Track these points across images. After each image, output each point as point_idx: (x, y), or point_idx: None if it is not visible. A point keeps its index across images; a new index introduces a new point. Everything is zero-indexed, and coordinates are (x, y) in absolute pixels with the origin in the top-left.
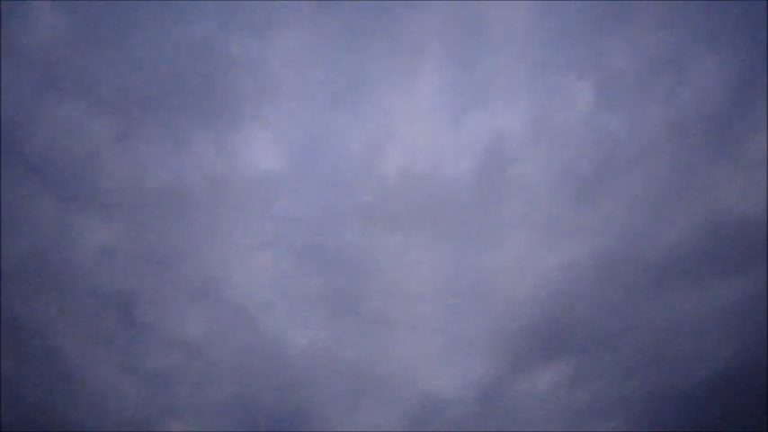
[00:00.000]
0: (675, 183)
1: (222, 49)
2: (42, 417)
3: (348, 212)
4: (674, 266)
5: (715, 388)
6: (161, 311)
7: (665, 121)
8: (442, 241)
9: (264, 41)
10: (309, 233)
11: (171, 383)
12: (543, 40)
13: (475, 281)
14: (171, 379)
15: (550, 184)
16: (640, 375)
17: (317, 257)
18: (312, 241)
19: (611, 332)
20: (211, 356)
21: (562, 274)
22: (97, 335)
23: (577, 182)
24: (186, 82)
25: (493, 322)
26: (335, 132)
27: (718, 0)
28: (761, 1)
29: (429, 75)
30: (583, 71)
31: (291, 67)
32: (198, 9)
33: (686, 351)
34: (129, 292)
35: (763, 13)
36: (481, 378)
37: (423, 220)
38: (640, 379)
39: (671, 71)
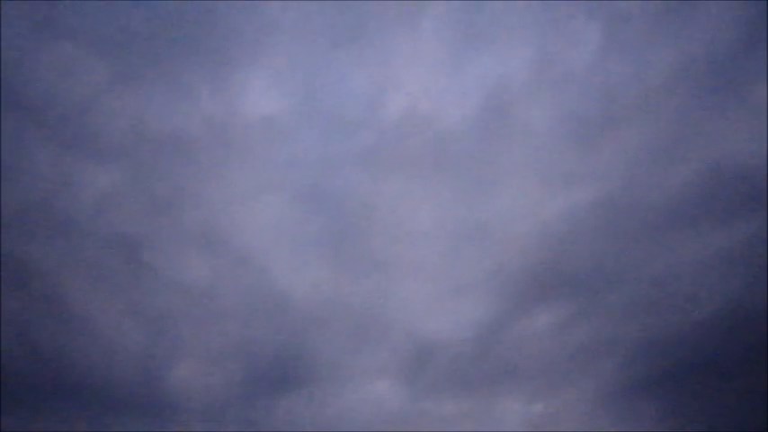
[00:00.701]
0: (679, 129)
1: None
2: (48, 358)
3: (349, 156)
4: (675, 212)
5: (711, 330)
6: (164, 255)
7: (672, 66)
8: (443, 185)
9: None
10: (311, 177)
11: (175, 326)
12: None
13: (475, 224)
14: (175, 321)
15: (554, 128)
16: (638, 317)
17: (318, 201)
18: (313, 185)
19: (610, 275)
20: (215, 299)
21: (563, 219)
22: (101, 278)
23: (581, 127)
24: (185, 23)
25: (492, 265)
26: (336, 75)
27: None
28: None
29: (432, 16)
30: (590, 12)
31: (291, 6)
32: None
33: (683, 294)
34: (132, 236)
35: None
36: (480, 319)
37: (424, 164)
38: (638, 321)
39: (680, 14)
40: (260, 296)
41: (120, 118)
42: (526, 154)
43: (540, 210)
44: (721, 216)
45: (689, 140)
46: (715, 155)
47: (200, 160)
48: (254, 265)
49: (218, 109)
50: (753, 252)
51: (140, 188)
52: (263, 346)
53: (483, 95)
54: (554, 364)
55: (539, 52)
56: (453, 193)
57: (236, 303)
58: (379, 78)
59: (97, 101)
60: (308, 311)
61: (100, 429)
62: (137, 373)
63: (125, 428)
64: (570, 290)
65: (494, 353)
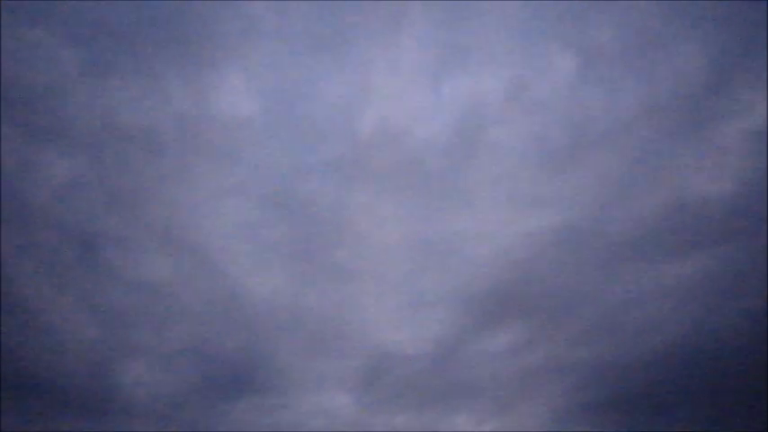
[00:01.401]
0: (644, 162)
1: None
2: None
3: (320, 164)
4: (635, 242)
5: (663, 358)
6: (124, 251)
7: (642, 100)
8: (411, 200)
9: None
10: (279, 182)
11: (130, 325)
12: (531, 7)
13: (441, 241)
14: (130, 320)
15: (523, 153)
16: (593, 343)
17: (285, 206)
18: (281, 190)
19: (569, 300)
20: (173, 300)
21: (526, 242)
22: (57, 271)
23: (550, 153)
24: (162, 17)
25: (455, 283)
26: (314, 81)
27: None
28: None
29: (412, 30)
30: (567, 43)
31: (273, 8)
32: None
33: (637, 323)
34: (92, 230)
35: (743, 1)
36: (439, 336)
37: (394, 178)
38: (592, 346)
39: (652, 51)
40: (219, 299)
41: (88, 109)
42: (495, 175)
43: (505, 231)
44: (678, 249)
45: (653, 174)
46: (676, 190)
47: (168, 157)
48: (216, 268)
49: (191, 107)
50: (706, 285)
51: (104, 181)
52: (220, 350)
53: (457, 114)
54: (508, 384)
55: (514, 77)
56: (421, 209)
57: (194, 305)
58: (355, 88)
59: (66, 90)
60: (268, 317)
61: (47, 429)
62: (88, 371)
63: (73, 428)
64: (529, 312)
65: (450, 370)
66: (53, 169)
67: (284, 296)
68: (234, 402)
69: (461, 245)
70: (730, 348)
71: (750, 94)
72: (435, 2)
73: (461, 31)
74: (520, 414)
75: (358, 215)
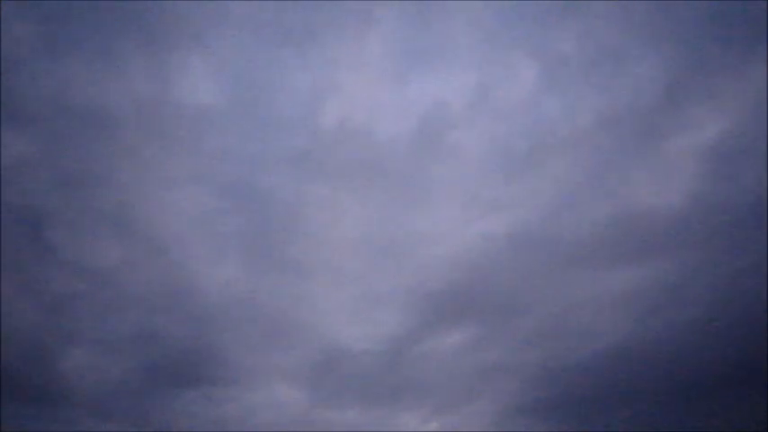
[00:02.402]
0: (599, 171)
1: None
2: None
3: (281, 156)
4: (585, 249)
5: (606, 361)
6: (70, 234)
7: (599, 111)
8: (370, 197)
9: None
10: (238, 172)
11: (73, 310)
12: (497, 14)
13: (397, 239)
14: (74, 305)
15: (483, 156)
16: (541, 344)
17: (242, 198)
18: (240, 181)
19: (519, 302)
20: (120, 286)
21: (481, 243)
22: (0, 252)
23: (509, 158)
24: None
25: (409, 280)
26: (279, 73)
27: (664, 1)
28: (704, 5)
29: (380, 29)
30: (530, 51)
31: None
32: None
33: (584, 326)
34: (38, 211)
35: (704, 19)
36: (391, 332)
37: (354, 174)
38: (540, 347)
39: (611, 64)
40: (169, 288)
41: (40, 86)
42: (454, 177)
43: (461, 233)
44: (625, 257)
45: (606, 183)
46: (626, 200)
47: (123, 140)
48: (168, 256)
49: (151, 90)
50: (649, 293)
51: (54, 161)
52: (166, 340)
53: (420, 115)
54: (457, 383)
55: (478, 81)
56: (380, 207)
57: (142, 292)
58: (320, 83)
59: (17, 65)
60: (220, 309)
61: None
62: (28, 357)
63: (13, 414)
64: (481, 313)
65: (401, 367)
66: (1, 147)
67: (238, 288)
68: (181, 393)
69: (418, 244)
70: (669, 353)
71: (701, 111)
72: (404, 3)
73: (428, 32)
74: (466, 413)
75: (316, 210)
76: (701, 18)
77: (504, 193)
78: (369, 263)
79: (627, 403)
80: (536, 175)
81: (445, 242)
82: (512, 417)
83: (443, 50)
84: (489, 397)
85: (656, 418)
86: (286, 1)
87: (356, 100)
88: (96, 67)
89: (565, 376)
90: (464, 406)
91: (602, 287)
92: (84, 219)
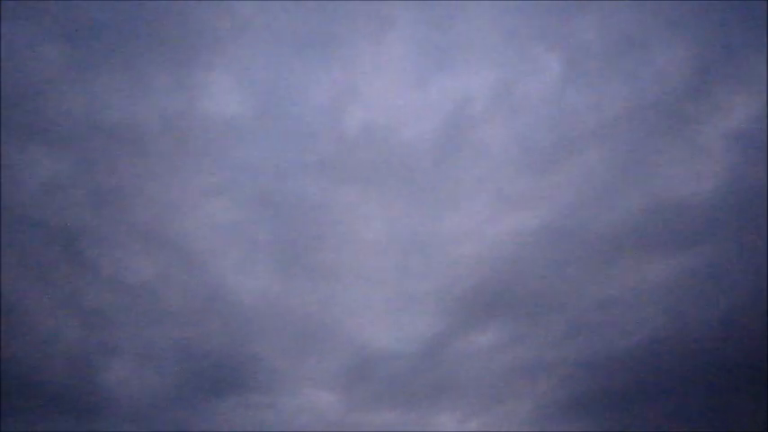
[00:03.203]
0: (628, 161)
1: None
2: None
3: (306, 163)
4: (618, 241)
5: (646, 354)
6: (106, 250)
7: (626, 101)
8: (397, 199)
9: None
10: (265, 181)
11: (112, 324)
12: (516, 9)
13: (426, 240)
14: (112, 319)
15: (509, 152)
16: (577, 339)
17: (271, 206)
18: (267, 190)
19: (552, 298)
20: (156, 299)
21: (511, 241)
22: (38, 270)
23: (536, 152)
24: (150, 15)
25: (440, 281)
26: (300, 81)
27: None
28: None
29: (399, 31)
30: (552, 43)
31: (262, 9)
32: None
33: (621, 320)
34: (75, 229)
35: (728, 2)
36: (424, 334)
37: (380, 177)
38: (577, 343)
39: (637, 51)
40: (204, 298)
41: (72, 106)
42: (480, 175)
43: (489, 230)
44: (660, 248)
45: (636, 173)
46: (658, 189)
47: (152, 156)
48: (201, 267)
49: (177, 105)
50: (686, 284)
51: (87, 179)
52: (203, 349)
53: (442, 114)
54: (492, 382)
55: (500, 77)
56: (406, 208)
57: (178, 304)
58: (341, 88)
59: (49, 86)
60: (253, 317)
61: (30, 429)
62: (69, 371)
63: (53, 428)
64: (513, 310)
65: (435, 368)
66: (36, 168)
67: (269, 295)
68: (219, 401)
69: (447, 244)
70: (711, 345)
71: (731, 95)
72: (422, 3)
73: (448, 31)
74: (504, 412)
75: (344, 214)
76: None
77: (532, 188)
78: (399, 265)
79: (669, 398)
80: (564, 169)
81: (474, 240)
82: (552, 415)
83: (463, 48)
84: (527, 395)
85: (701, 413)
86: (304, 11)
87: (378, 103)
88: (124, 85)
89: (603, 371)
90: (502, 405)
91: (637, 279)
92: (118, 234)
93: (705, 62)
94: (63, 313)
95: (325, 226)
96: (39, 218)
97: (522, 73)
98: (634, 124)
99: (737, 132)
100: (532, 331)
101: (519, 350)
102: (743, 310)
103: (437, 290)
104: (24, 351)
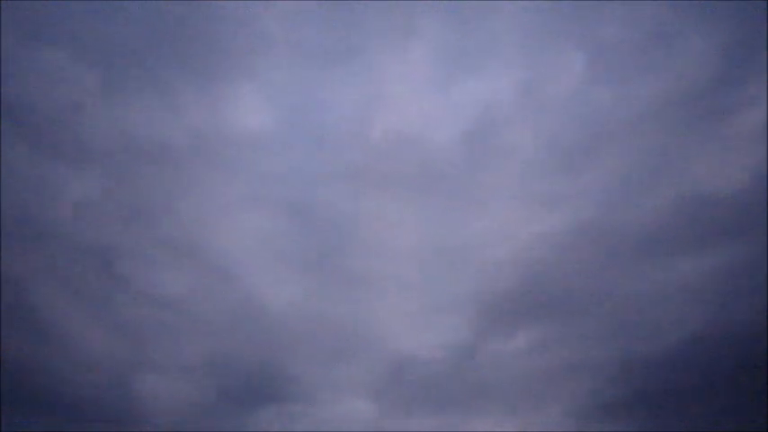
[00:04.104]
0: (658, 158)
1: (215, 3)
2: (18, 367)
3: (334, 173)
4: (650, 239)
5: (681, 356)
6: (141, 266)
7: (654, 96)
8: (426, 204)
9: None
10: (294, 192)
11: (147, 338)
12: (538, 9)
13: (456, 244)
14: (148, 333)
15: (537, 153)
16: (613, 340)
17: (300, 216)
18: (296, 200)
19: (586, 298)
20: (190, 312)
21: (542, 242)
22: (74, 287)
23: (564, 152)
24: (175, 33)
25: (471, 286)
26: (326, 91)
27: None
28: None
29: (422, 38)
30: (575, 41)
31: (284, 24)
32: None
33: (657, 318)
34: (108, 247)
35: None
36: (457, 338)
37: (408, 183)
38: (613, 343)
39: (662, 46)
40: (237, 310)
41: (104, 126)
42: (508, 177)
43: (519, 232)
44: (693, 244)
45: (666, 169)
46: (689, 185)
47: (182, 172)
48: (233, 279)
49: (205, 121)
50: (722, 280)
51: (120, 197)
52: (237, 361)
53: (468, 118)
54: (527, 385)
55: (525, 78)
56: (436, 213)
57: (211, 317)
58: (367, 96)
59: (82, 108)
60: (285, 326)
61: None
62: (106, 384)
63: None
64: (546, 312)
65: (468, 373)
66: (70, 186)
67: (301, 305)
68: (254, 412)
69: (476, 247)
70: (749, 343)
71: (759, 87)
72: (444, 8)
73: (470, 35)
74: (538, 414)
75: (373, 222)
76: None
77: (561, 188)
78: (429, 270)
79: (707, 398)
80: (593, 167)
81: (505, 243)
82: (587, 416)
83: (487, 51)
84: (564, 397)
85: (740, 414)
86: (328, 24)
87: (404, 109)
88: (154, 104)
89: (640, 371)
90: (536, 407)
91: (672, 276)
92: (151, 250)
93: (733, 54)
94: (99, 328)
95: (355, 233)
96: (73, 236)
97: (547, 73)
98: (662, 120)
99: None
100: (566, 333)
101: (553, 352)
102: None
103: (469, 294)
104: (62, 366)
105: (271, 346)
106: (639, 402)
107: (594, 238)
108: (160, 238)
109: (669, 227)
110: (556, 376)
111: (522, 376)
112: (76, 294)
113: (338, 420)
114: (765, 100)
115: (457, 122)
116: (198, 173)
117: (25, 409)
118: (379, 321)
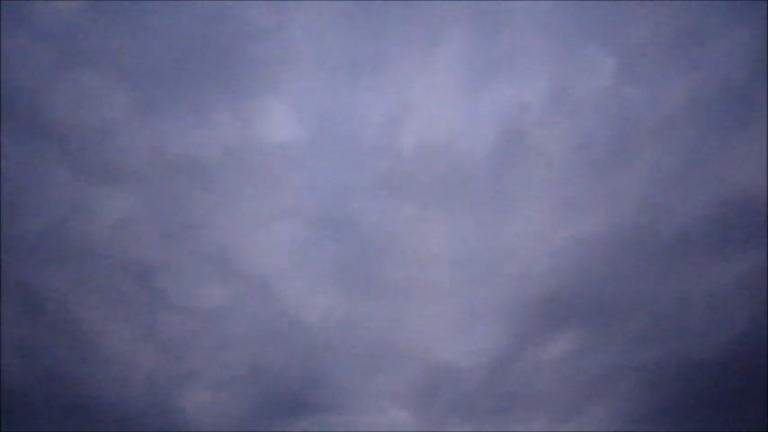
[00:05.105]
0: (693, 157)
1: (241, 19)
2: (60, 384)
3: (365, 183)
4: (688, 241)
5: (728, 356)
6: (178, 281)
7: (686, 95)
8: (457, 212)
9: (284, 10)
10: (326, 203)
11: (187, 352)
12: (565, 11)
13: (489, 251)
14: (188, 347)
15: (568, 156)
16: (650, 344)
17: (333, 227)
18: (329, 211)
19: (624, 303)
20: (228, 325)
21: (577, 246)
22: (115, 304)
23: (595, 155)
24: (205, 52)
25: (506, 292)
26: (354, 102)
27: None
28: None
29: (449, 45)
30: (605, 42)
31: (311, 36)
32: None
33: (701, 320)
34: (146, 262)
35: None
36: (494, 347)
37: (439, 191)
38: (656, 346)
39: (693, 43)
40: (273, 322)
41: (138, 144)
42: (540, 182)
43: (553, 237)
44: (734, 245)
45: (702, 170)
46: (728, 184)
47: (216, 186)
48: (268, 291)
49: (237, 135)
50: (764, 281)
51: (156, 214)
52: (276, 372)
53: (498, 124)
54: (568, 391)
55: (554, 81)
56: (468, 220)
57: (249, 329)
58: (395, 106)
59: (117, 127)
60: (322, 337)
61: None
62: (148, 399)
63: None
64: (584, 318)
65: (507, 380)
66: (108, 206)
67: (337, 315)
68: (295, 422)
69: (511, 253)
70: None
71: None
72: (470, 14)
73: (497, 39)
74: (580, 422)
75: (406, 230)
76: None
77: (595, 191)
78: (463, 278)
79: (757, 399)
80: (627, 169)
81: (540, 248)
82: (632, 422)
83: (514, 55)
84: (605, 403)
85: None
86: (354, 34)
87: (433, 117)
88: (187, 121)
89: (685, 375)
90: (578, 414)
91: (712, 279)
92: (189, 264)
93: (765, 48)
94: (140, 343)
95: (387, 243)
96: (114, 255)
97: (576, 74)
98: (697, 117)
99: None
100: (607, 337)
101: (593, 358)
102: None
103: (505, 300)
104: (105, 382)
105: (308, 357)
106: (685, 405)
107: (632, 241)
108: (197, 253)
109: (708, 228)
110: (599, 381)
111: (564, 383)
112: (117, 310)
113: (377, 430)
114: None
115: (487, 128)
116: (231, 187)
117: (68, 424)
118: (415, 330)
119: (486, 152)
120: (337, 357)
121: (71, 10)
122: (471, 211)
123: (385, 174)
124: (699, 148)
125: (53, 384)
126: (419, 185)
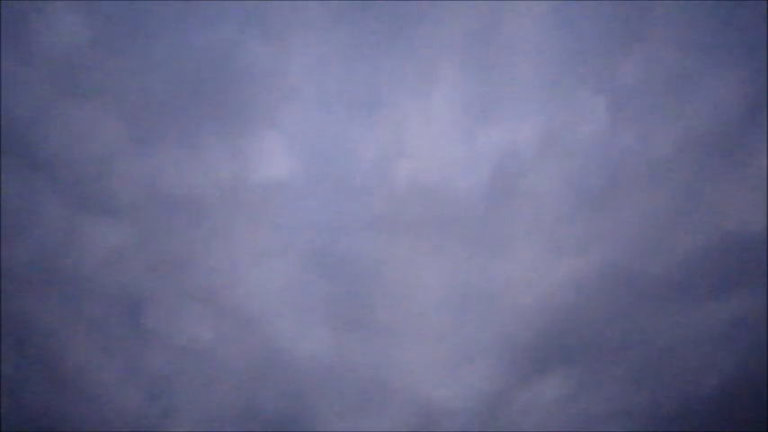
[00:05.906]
0: (683, 200)
1: (239, 56)
2: (44, 419)
3: (358, 221)
4: (679, 282)
5: (716, 399)
6: (167, 316)
7: (676, 138)
8: (450, 252)
9: (282, 49)
10: (319, 241)
11: (174, 387)
12: (558, 56)
13: (482, 292)
14: (174, 383)
15: (560, 198)
16: (644, 386)
17: (325, 265)
18: (321, 249)
19: (616, 344)
20: (216, 362)
21: (568, 287)
22: (102, 338)
23: (586, 197)
24: (203, 87)
25: (499, 333)
26: (349, 141)
27: (733, 20)
28: None
29: (444, 87)
30: (596, 86)
31: (308, 75)
32: (216, 15)
33: (689, 363)
34: (135, 297)
35: None
36: (486, 388)
37: (432, 231)
38: (644, 389)
39: (683, 88)
40: (262, 360)
41: (132, 178)
42: (532, 223)
43: (546, 278)
44: (724, 286)
45: (693, 211)
46: (717, 226)
47: (208, 222)
48: (258, 329)
49: (231, 172)
50: (757, 322)
51: (146, 248)
52: (264, 411)
53: (491, 165)
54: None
55: (546, 124)
56: (460, 261)
57: (237, 367)
58: (389, 146)
59: (111, 161)
60: (311, 376)
61: None
62: None
63: None
64: (576, 359)
65: (499, 423)
66: (98, 238)
67: (327, 355)
68: None
69: (503, 294)
70: None
71: None
72: (466, 57)
73: (491, 83)
74: None
75: (398, 270)
76: None
77: (586, 232)
78: (456, 318)
79: None
80: (617, 211)
81: (531, 289)
82: None
83: (508, 98)
84: None
85: None
86: (350, 74)
87: (426, 157)
88: (181, 155)
89: (678, 418)
90: None
91: (704, 319)
92: (177, 300)
93: (755, 94)
94: (126, 380)
95: (379, 282)
96: (102, 288)
97: (568, 117)
98: (686, 160)
99: None
100: (600, 379)
101: (586, 400)
102: None
103: (497, 341)
104: (89, 417)
105: (297, 396)
106: None
107: (622, 282)
108: (187, 288)
109: (698, 269)
110: (592, 424)
111: (558, 425)
112: (104, 345)
113: None
114: None
115: (480, 169)
116: (224, 223)
117: None
118: (406, 371)
119: (479, 192)
120: (327, 397)
121: (68, 40)
122: (464, 250)
123: (378, 213)
124: (687, 191)
125: (34, 419)
126: (412, 224)
